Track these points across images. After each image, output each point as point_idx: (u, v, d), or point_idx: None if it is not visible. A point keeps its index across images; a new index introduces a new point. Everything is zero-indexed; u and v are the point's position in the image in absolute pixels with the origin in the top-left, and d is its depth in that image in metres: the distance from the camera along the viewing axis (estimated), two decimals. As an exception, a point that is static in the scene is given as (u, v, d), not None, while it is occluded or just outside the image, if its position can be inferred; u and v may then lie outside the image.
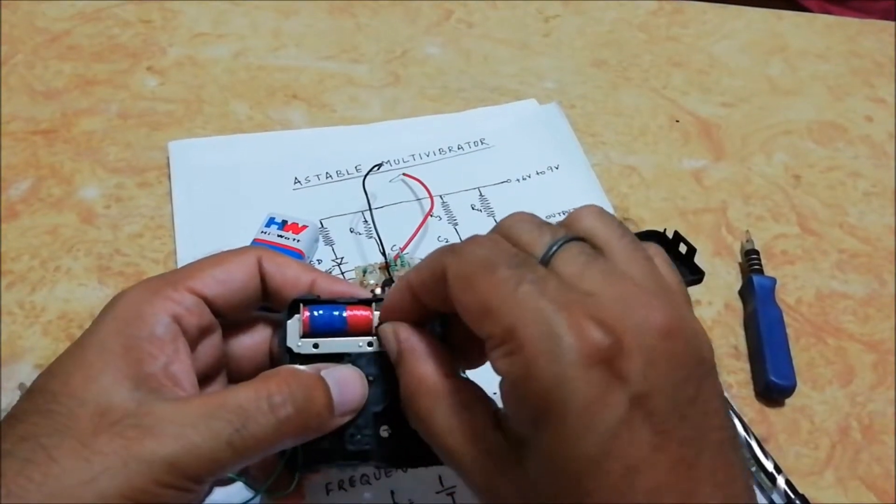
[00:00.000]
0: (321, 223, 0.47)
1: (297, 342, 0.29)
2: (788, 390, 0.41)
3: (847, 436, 0.40)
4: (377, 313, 0.29)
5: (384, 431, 0.28)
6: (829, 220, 0.52)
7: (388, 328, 0.28)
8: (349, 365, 0.28)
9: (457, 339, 0.28)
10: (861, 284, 0.48)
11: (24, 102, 0.55)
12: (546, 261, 0.24)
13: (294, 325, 0.29)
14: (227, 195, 0.49)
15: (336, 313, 0.29)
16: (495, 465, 0.24)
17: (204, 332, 0.29)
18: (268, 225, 0.44)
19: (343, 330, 0.29)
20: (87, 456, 0.23)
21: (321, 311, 0.29)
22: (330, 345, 0.29)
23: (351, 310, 0.29)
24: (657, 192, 0.53)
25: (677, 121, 0.58)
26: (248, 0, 0.65)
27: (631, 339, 0.21)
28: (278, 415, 0.25)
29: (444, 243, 0.47)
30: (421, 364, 0.26)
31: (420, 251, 0.46)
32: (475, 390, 0.26)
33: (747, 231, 0.49)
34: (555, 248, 0.24)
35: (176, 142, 0.52)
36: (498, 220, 0.48)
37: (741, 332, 0.45)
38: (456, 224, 0.48)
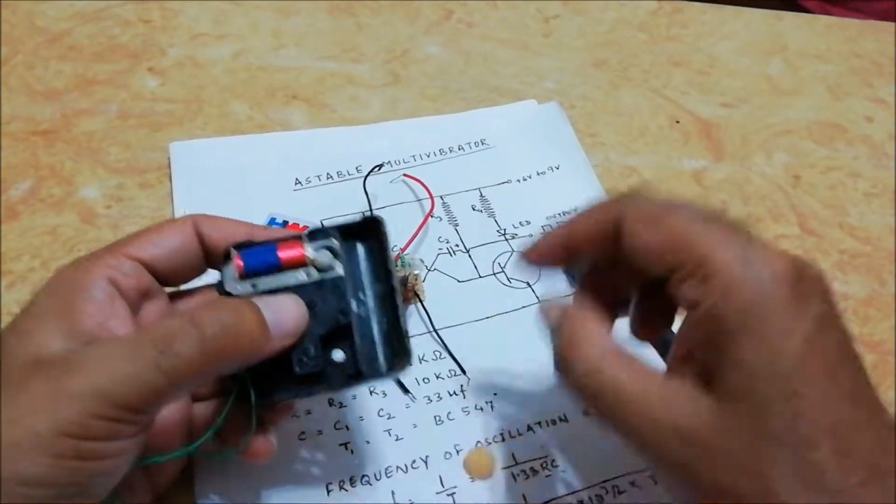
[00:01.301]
0: (322, 224, 0.47)
1: (236, 286, 0.29)
2: (789, 391, 0.41)
3: (847, 436, 0.40)
4: (309, 246, 0.30)
5: (337, 355, 0.29)
6: (829, 220, 0.52)
7: (552, 305, 0.30)
8: (286, 293, 0.29)
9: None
10: (861, 285, 0.48)
11: (24, 103, 0.55)
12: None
13: (230, 270, 0.29)
14: (228, 196, 0.49)
15: (268, 252, 0.29)
16: (673, 398, 0.25)
17: (144, 296, 0.29)
18: (268, 225, 0.44)
19: (277, 266, 0.29)
20: (16, 397, 0.23)
21: (253, 252, 0.29)
22: (268, 282, 0.29)
23: (283, 248, 0.29)
24: (657, 192, 0.53)
25: (677, 121, 0.58)
26: (248, 0, 0.65)
27: (805, 271, 0.25)
28: (204, 333, 0.25)
29: (444, 244, 0.47)
30: (589, 321, 0.29)
31: (420, 252, 0.46)
32: (636, 354, 0.28)
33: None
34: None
35: (177, 142, 0.52)
36: (499, 220, 0.49)
37: (741, 333, 0.45)
38: (457, 225, 0.48)
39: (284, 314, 0.28)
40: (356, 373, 0.30)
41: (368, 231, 0.31)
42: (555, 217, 0.49)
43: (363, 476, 0.36)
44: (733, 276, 0.24)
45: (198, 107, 0.56)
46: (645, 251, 0.26)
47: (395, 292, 0.31)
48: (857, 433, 0.23)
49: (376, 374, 0.30)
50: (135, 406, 0.24)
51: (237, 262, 0.29)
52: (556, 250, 0.30)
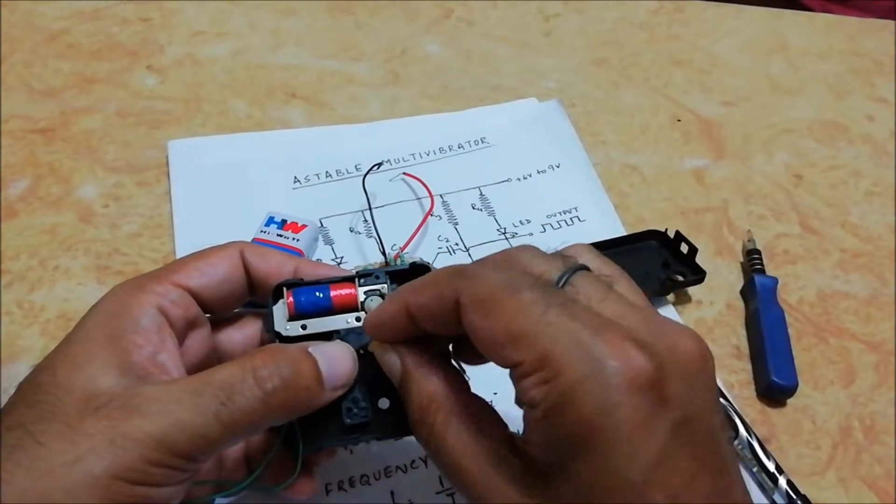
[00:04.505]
0: (321, 222, 0.47)
1: (285, 326, 0.29)
2: (790, 390, 0.41)
3: (848, 436, 0.40)
4: (361, 289, 0.29)
5: (383, 403, 0.29)
6: (830, 219, 0.52)
7: (387, 349, 0.27)
8: (337, 341, 0.29)
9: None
10: (863, 284, 0.48)
11: (23, 101, 0.55)
12: (561, 286, 0.23)
13: (280, 310, 0.29)
14: (227, 194, 0.48)
15: (320, 293, 0.29)
16: (515, 489, 0.23)
17: (191, 325, 0.29)
18: (267, 224, 0.44)
19: (329, 308, 0.29)
20: (73, 438, 0.23)
21: (305, 293, 0.29)
22: (317, 324, 0.29)
23: (335, 288, 0.29)
24: (658, 191, 0.52)
25: (678, 120, 0.58)
26: (247, -2, 0.65)
27: (670, 363, 0.21)
28: (264, 387, 0.25)
29: (444, 242, 0.47)
30: (432, 381, 0.26)
31: (420, 250, 0.46)
32: (489, 410, 0.25)
33: (749, 230, 0.49)
34: (569, 273, 0.23)
35: (175, 141, 0.51)
36: (499, 219, 0.48)
37: (743, 332, 0.44)
38: (456, 223, 0.48)
39: (338, 365, 0.27)
40: (404, 423, 0.28)
41: (416, 277, 0.31)
42: (555, 216, 0.49)
43: (363, 476, 0.36)
44: (575, 382, 0.20)
45: (196, 105, 0.55)
46: (483, 342, 0.23)
47: None
48: None
49: None
50: (190, 454, 0.24)
51: (289, 301, 0.29)
52: (399, 326, 0.26)
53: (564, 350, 0.21)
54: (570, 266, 0.24)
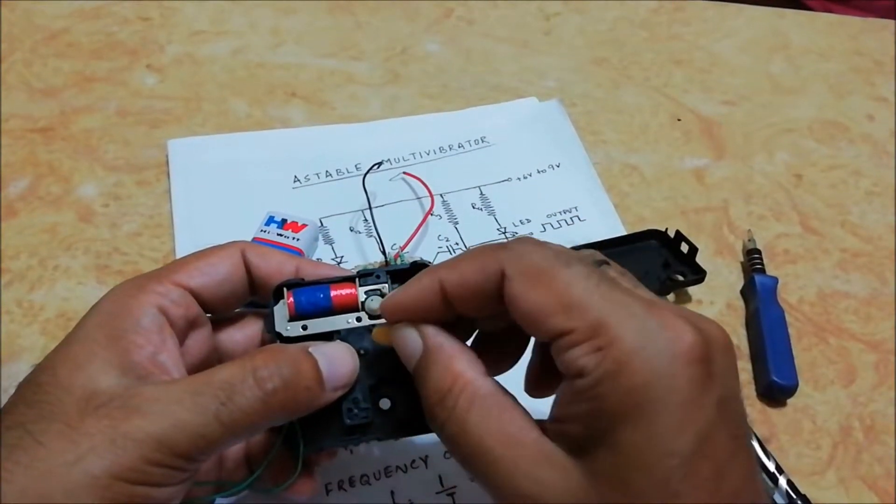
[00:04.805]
0: (321, 222, 0.47)
1: (286, 326, 0.29)
2: (790, 390, 0.41)
3: (849, 436, 0.40)
4: (362, 289, 0.29)
5: (384, 403, 0.29)
6: (830, 219, 0.52)
7: (407, 326, 0.26)
8: (338, 341, 0.29)
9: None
10: (863, 284, 0.48)
11: (23, 100, 0.55)
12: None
13: (281, 310, 0.29)
14: (227, 193, 0.48)
15: (320, 294, 0.29)
16: (547, 469, 0.22)
17: (192, 325, 0.29)
18: (267, 223, 0.44)
19: (329, 309, 0.29)
20: (73, 437, 0.23)
21: (305, 293, 0.29)
22: (318, 325, 0.29)
23: (335, 288, 0.29)
24: (658, 190, 0.52)
25: (679, 119, 0.58)
26: (247, -3, 0.65)
27: (715, 343, 0.22)
28: (264, 388, 0.25)
29: (444, 242, 0.47)
30: (456, 362, 0.25)
31: (420, 250, 0.46)
32: (508, 394, 0.25)
33: (749, 230, 0.49)
34: (597, 265, 0.24)
35: (175, 140, 0.51)
36: (499, 218, 0.48)
37: (743, 332, 0.44)
38: (456, 223, 0.48)
39: (339, 366, 0.27)
40: (405, 423, 0.29)
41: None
42: (555, 215, 0.49)
43: (363, 476, 0.36)
44: (630, 351, 0.21)
45: (196, 104, 0.55)
46: (530, 312, 0.23)
47: None
48: None
49: (425, 427, 0.28)
50: (190, 455, 0.24)
51: (289, 302, 0.29)
52: (431, 305, 0.26)
53: (620, 320, 0.21)
54: (595, 259, 0.24)
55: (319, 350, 0.27)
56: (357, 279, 0.30)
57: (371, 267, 0.43)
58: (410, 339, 0.26)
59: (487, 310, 0.25)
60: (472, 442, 0.24)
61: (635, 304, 0.22)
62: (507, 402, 0.24)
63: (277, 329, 0.29)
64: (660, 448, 0.21)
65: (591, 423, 0.22)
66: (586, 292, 0.22)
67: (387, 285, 0.30)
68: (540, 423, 0.24)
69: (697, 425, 0.21)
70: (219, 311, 0.30)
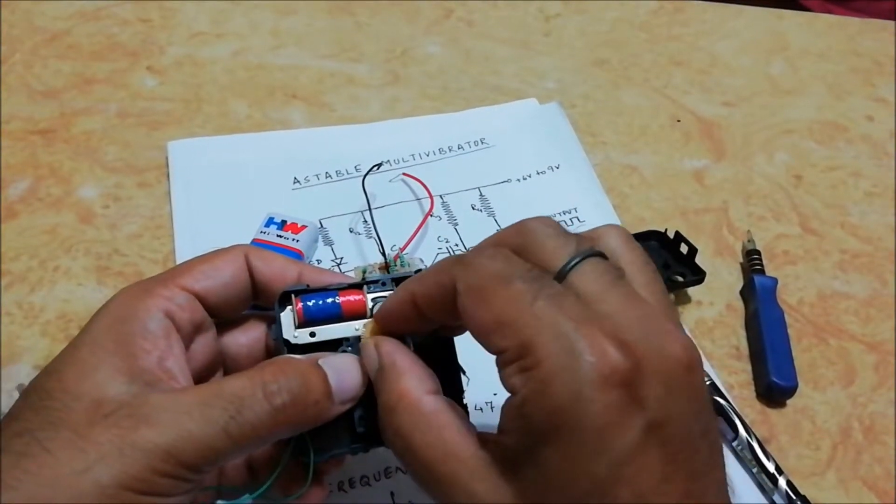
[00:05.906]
0: (320, 223, 0.47)
1: (294, 333, 0.29)
2: (790, 391, 0.41)
3: (848, 437, 0.40)
4: (370, 295, 0.29)
5: None
6: (830, 219, 0.52)
7: (369, 343, 0.27)
8: (347, 353, 0.28)
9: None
10: (862, 285, 0.48)
11: (23, 102, 0.55)
12: (565, 273, 0.23)
13: (288, 317, 0.29)
14: (227, 195, 0.48)
15: (329, 300, 0.29)
16: (480, 483, 0.23)
17: (197, 329, 0.29)
18: (267, 225, 0.44)
19: (337, 315, 0.29)
20: (81, 446, 0.23)
21: (314, 300, 0.29)
22: (327, 332, 0.29)
23: (343, 295, 0.29)
24: (658, 191, 0.52)
25: (678, 120, 0.58)
26: (247, -1, 0.65)
27: (650, 365, 0.21)
28: (273, 402, 0.25)
29: (444, 243, 0.47)
30: (404, 379, 0.26)
31: (420, 251, 0.46)
32: (456, 410, 0.25)
33: (749, 231, 0.49)
34: (577, 259, 0.23)
35: (175, 141, 0.51)
36: (498, 220, 0.48)
37: (742, 333, 0.44)
38: (456, 224, 0.48)
39: (348, 379, 0.27)
40: None
41: None
42: (555, 216, 0.49)
43: (363, 477, 0.36)
44: (552, 372, 0.21)
45: (196, 106, 0.56)
46: (474, 328, 0.23)
47: (451, 346, 0.30)
48: None
49: None
50: (197, 466, 0.24)
51: (298, 308, 0.28)
52: (406, 315, 0.27)
53: (545, 340, 0.21)
54: (581, 251, 0.24)
55: (329, 363, 0.27)
56: (364, 286, 0.29)
57: (371, 268, 0.43)
58: (369, 355, 0.27)
59: (454, 319, 0.25)
60: (417, 458, 0.24)
61: (567, 323, 0.21)
62: (449, 419, 0.25)
63: (285, 336, 0.28)
64: (575, 470, 0.21)
65: (520, 440, 0.22)
66: (519, 312, 0.22)
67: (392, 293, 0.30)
68: (490, 435, 0.24)
69: (615, 449, 0.20)
70: (223, 314, 0.30)
